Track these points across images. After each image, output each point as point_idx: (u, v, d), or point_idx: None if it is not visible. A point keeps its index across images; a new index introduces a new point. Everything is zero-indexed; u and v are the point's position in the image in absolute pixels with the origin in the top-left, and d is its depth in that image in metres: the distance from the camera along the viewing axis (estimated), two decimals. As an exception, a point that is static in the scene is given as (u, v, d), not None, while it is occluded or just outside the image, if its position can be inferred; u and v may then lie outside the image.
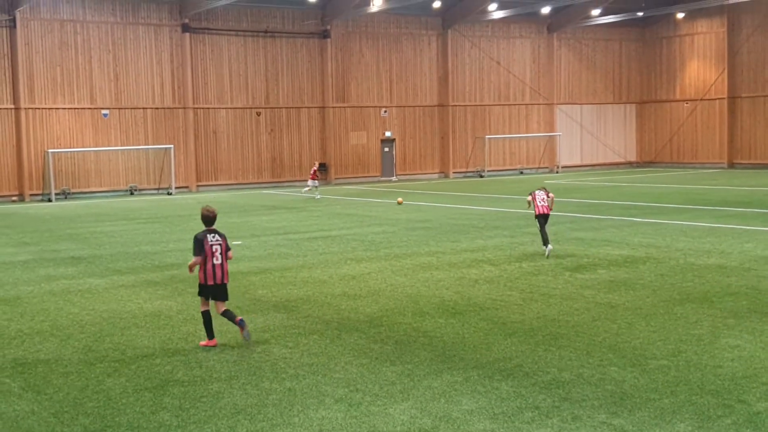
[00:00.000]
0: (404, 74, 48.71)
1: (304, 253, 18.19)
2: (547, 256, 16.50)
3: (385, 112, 48.35)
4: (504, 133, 51.74)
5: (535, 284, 13.67)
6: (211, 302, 10.26)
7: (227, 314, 10.10)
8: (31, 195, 38.78)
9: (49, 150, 38.80)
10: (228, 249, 10.43)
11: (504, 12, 47.21)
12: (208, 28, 42.87)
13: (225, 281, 10.28)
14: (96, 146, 40.25)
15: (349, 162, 47.33)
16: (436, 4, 46.03)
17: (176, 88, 42.27)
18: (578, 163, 54.62)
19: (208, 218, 10.43)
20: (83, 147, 39.92)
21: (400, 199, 30.63)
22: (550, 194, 17.49)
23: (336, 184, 45.41)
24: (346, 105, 47.07)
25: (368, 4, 43.06)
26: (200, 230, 10.41)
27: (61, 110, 39.57)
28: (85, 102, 40.15)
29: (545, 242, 16.80)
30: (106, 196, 39.75)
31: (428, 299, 12.64)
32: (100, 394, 8.31)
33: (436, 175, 50.07)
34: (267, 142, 45.08)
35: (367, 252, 18.05)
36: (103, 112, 40.53)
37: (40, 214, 30.93)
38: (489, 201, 31.46)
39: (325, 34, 45.81)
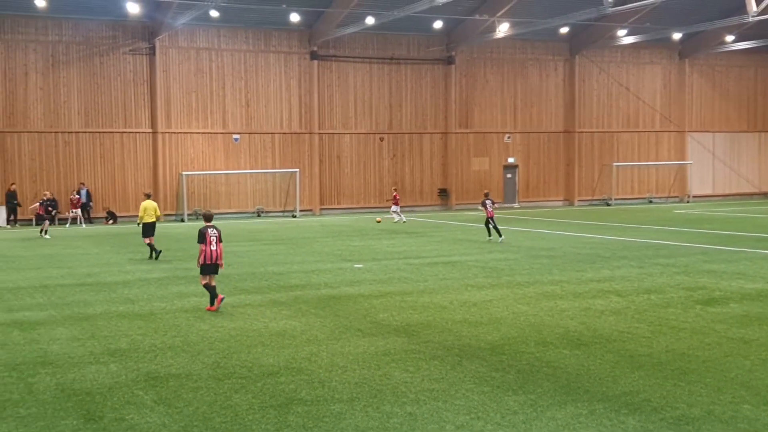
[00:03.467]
0: (529, 100, 48.35)
1: (425, 278, 18.22)
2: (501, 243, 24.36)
3: (509, 137, 48.04)
4: (632, 161, 50.46)
5: (663, 317, 13.21)
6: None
7: (213, 289, 14.24)
8: (165, 215, 40.50)
9: (183, 172, 40.48)
10: (221, 240, 14.45)
11: (634, 38, 46.22)
12: (336, 56, 43.85)
13: (218, 262, 14.30)
14: (227, 169, 41.73)
15: (471, 188, 47.22)
16: (563, 30, 45.56)
17: (303, 113, 43.38)
18: (710, 192, 52.64)
19: (208, 217, 14.83)
20: (215, 170, 41.45)
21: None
22: (495, 203, 25.54)
23: (457, 210, 45.35)
24: (469, 131, 47.07)
25: (494, 30, 43.04)
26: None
27: (195, 134, 41.26)
28: (218, 127, 41.73)
29: (500, 234, 26.12)
30: (235, 218, 41.05)
31: (552, 329, 12.41)
32: (228, 409, 8.54)
33: (560, 203, 49.30)
34: (389, 167, 45.56)
35: (488, 279, 17.91)
36: (234, 136, 42.00)
37: (174, 234, 32.21)
38: (616, 230, 30.68)
39: (449, 60, 46.05)
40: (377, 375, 9.80)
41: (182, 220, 39.86)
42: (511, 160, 48.21)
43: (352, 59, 44.31)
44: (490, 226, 26.77)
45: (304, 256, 22.97)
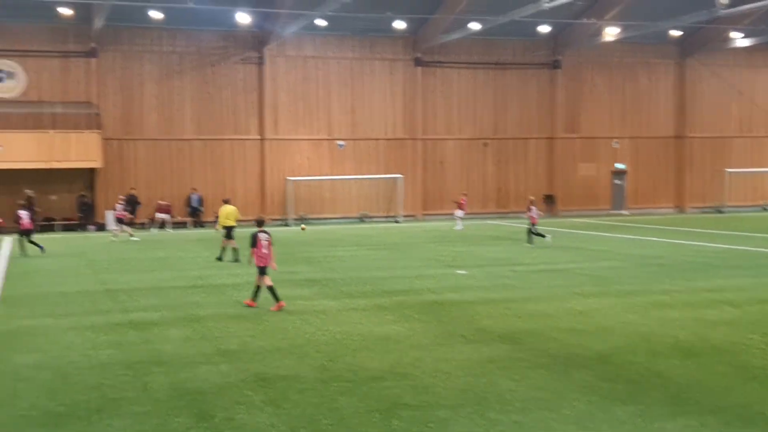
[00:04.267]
0: (638, 104, 47.23)
1: (530, 285, 18.04)
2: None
3: (617, 143, 47.04)
4: (746, 167, 48.56)
5: (781, 329, 12.71)
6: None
7: (271, 289, 15.18)
8: (272, 220, 41.40)
9: (289, 178, 41.30)
10: (272, 244, 15.42)
11: (748, 40, 44.51)
12: (440, 62, 43.91)
13: (269, 264, 15.27)
14: (331, 175, 42.33)
15: (577, 194, 46.44)
16: (674, 33, 44.34)
17: (407, 119, 43.60)
18: (831, 199, 50.15)
19: (260, 222, 15.84)
20: (320, 175, 42.11)
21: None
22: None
23: (562, 217, 44.66)
24: (575, 136, 46.33)
25: (601, 34, 42.24)
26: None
27: (301, 141, 42.05)
28: (323, 133, 42.41)
29: (544, 235, 27.23)
30: (339, 223, 41.59)
31: (662, 339, 12.10)
32: (334, 412, 8.68)
33: (670, 210, 47.94)
34: (493, 172, 45.28)
35: (595, 287, 17.59)
36: (339, 142, 42.58)
37: (280, 238, 32.82)
38: (729, 238, 29.60)
39: (555, 65, 45.46)
40: (482, 382, 9.77)
41: (288, 225, 40.65)
42: (619, 165, 47.17)
43: (456, 65, 44.28)
44: (533, 233, 27.73)
45: (408, 262, 23.08)
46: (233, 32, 40.11)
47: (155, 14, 37.51)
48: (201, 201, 40.31)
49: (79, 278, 20.29)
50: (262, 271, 15.25)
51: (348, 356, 11.19)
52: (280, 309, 14.90)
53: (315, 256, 24.90)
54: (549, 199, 46.01)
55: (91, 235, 36.21)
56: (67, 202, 38.34)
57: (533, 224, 28.16)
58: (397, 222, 42.06)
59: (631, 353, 11.18)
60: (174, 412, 8.74)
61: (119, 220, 32.95)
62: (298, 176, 41.63)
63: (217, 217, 23.58)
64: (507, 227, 37.51)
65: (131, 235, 32.50)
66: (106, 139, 38.35)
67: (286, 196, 41.51)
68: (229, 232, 24.03)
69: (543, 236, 27.87)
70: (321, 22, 39.08)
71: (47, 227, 36.96)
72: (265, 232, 15.40)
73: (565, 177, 46.25)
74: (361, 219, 42.79)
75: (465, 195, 39.51)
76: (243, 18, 37.70)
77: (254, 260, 15.31)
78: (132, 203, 38.65)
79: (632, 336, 12.34)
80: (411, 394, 9.30)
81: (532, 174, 46.00)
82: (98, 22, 36.14)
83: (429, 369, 10.40)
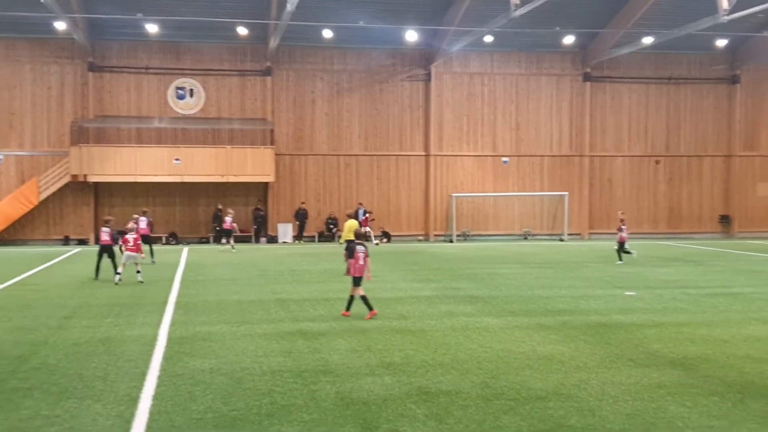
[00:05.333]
0: (825, 121, 44.26)
1: (703, 309, 17.25)
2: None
3: (801, 162, 44.26)
4: None
5: None
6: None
7: (364, 298, 15.86)
8: (435, 235, 41.70)
9: (453, 194, 41.47)
10: (367, 256, 16.04)
11: None
12: (610, 77, 42.88)
13: (364, 275, 15.91)
14: (495, 191, 42.16)
15: (756, 215, 43.99)
16: None
17: (574, 135, 42.83)
18: None
19: (359, 236, 16.68)
20: (483, 192, 42.03)
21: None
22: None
23: (740, 239, 42.39)
24: (754, 154, 43.98)
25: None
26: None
27: (465, 157, 42.17)
28: (488, 150, 42.34)
29: (629, 252, 28.28)
30: (502, 240, 41.32)
31: None
32: (497, 430, 8.64)
33: None
34: (665, 191, 43.67)
35: (775, 314, 16.59)
36: (503, 159, 42.36)
37: (443, 254, 33.05)
38: None
39: (734, 80, 43.39)
40: (651, 407, 9.45)
41: (451, 241, 40.79)
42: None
43: (627, 80, 43.10)
44: (621, 251, 28.61)
45: (572, 281, 22.61)
46: (401, 50, 40.85)
47: (327, 33, 38.81)
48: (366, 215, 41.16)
49: (253, 287, 21.17)
50: (357, 281, 15.91)
51: (511, 374, 11.10)
52: (372, 317, 15.60)
53: (478, 273, 24.84)
54: (724, 220, 43.83)
55: (263, 247, 37.75)
56: (241, 214, 40.18)
57: (622, 242, 28.75)
58: (561, 240, 41.29)
59: (815, 386, 10.47)
60: (340, 421, 8.98)
61: (228, 232, 34.28)
62: (462, 192, 41.73)
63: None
64: (679, 248, 36.00)
65: (232, 247, 33.89)
66: (279, 155, 39.96)
67: (449, 212, 41.70)
68: (350, 247, 24.09)
69: (630, 253, 28.90)
70: (488, 38, 39.12)
71: (221, 238, 38.83)
72: (362, 245, 16.11)
73: (743, 197, 43.93)
74: (525, 236, 42.32)
75: (623, 212, 38.16)
76: (411, 36, 38.34)
77: (350, 270, 16.00)
78: (301, 217, 40.07)
79: (817, 368, 11.55)
80: (576, 416, 9.12)
81: (706, 193, 44.01)
82: (273, 42, 37.79)
83: (595, 391, 10.16)
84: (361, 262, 15.98)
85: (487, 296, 19.28)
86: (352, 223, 24.23)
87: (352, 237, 24.34)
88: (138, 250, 22.02)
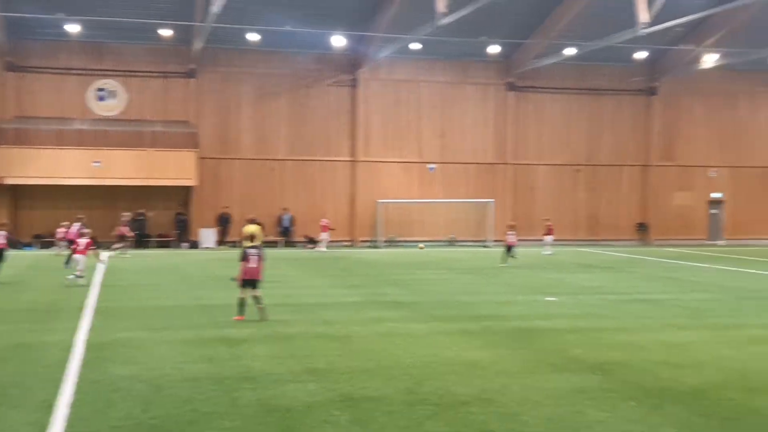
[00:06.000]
0: (738, 133, 45.93)
1: (621, 315, 17.64)
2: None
3: (714, 172, 45.76)
4: None
5: None
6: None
7: (257, 299, 16.09)
8: (361, 241, 41.72)
9: (379, 200, 41.57)
10: (261, 259, 16.17)
11: None
12: (533, 87, 43.65)
13: (256, 277, 16.03)
14: (421, 198, 42.43)
15: (672, 223, 45.33)
16: (777, 59, 42.96)
17: (498, 144, 43.44)
18: None
19: (252, 238, 16.78)
20: (409, 198, 42.26)
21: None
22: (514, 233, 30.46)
23: (656, 246, 43.61)
24: (671, 164, 45.32)
25: (701, 61, 41.27)
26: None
27: (391, 163, 42.34)
28: (414, 156, 42.61)
29: (507, 259, 29.79)
30: (427, 246, 41.56)
31: (759, 375, 11.65)
32: (420, 435, 8.65)
33: (769, 242, 46.29)
34: (585, 199, 44.62)
35: (689, 319, 17.08)
36: (429, 166, 42.70)
37: (369, 260, 33.09)
38: (833, 273, 28.34)
39: (652, 91, 44.66)
40: (570, 412, 9.60)
41: (377, 247, 40.86)
42: (716, 195, 45.84)
43: (549, 90, 43.94)
44: (509, 254, 30.18)
45: (496, 287, 22.89)
46: (328, 55, 40.79)
47: (252, 36, 38.52)
48: (292, 221, 40.94)
49: (175, 293, 20.83)
50: (246, 284, 16.05)
51: (435, 380, 11.14)
52: (239, 321, 15.77)
53: (404, 279, 24.93)
54: (642, 228, 45.02)
55: (185, 252, 37.18)
56: (163, 218, 39.49)
57: (511, 247, 30.29)
58: (486, 247, 41.80)
59: (726, 389, 10.80)
60: (262, 428, 8.87)
61: (122, 237, 33.66)
62: (388, 198, 41.87)
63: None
64: (598, 255, 36.83)
65: (119, 254, 32.83)
66: (202, 158, 39.42)
67: (376, 218, 41.78)
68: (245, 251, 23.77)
69: (513, 257, 30.22)
70: (414, 46, 39.40)
71: (142, 243, 38.13)
72: (255, 248, 16.27)
73: (660, 205, 45.23)
74: (450, 243, 42.68)
75: (548, 220, 39.12)
76: (338, 41, 38.32)
77: (242, 273, 16.09)
78: (224, 222, 39.60)
79: (728, 371, 11.92)
80: (497, 421, 9.21)
81: (625, 201, 45.15)
82: (197, 44, 37.31)
83: (516, 396, 10.28)
84: (254, 264, 16.06)
85: (412, 302, 19.36)
86: (250, 228, 23.74)
87: (252, 242, 23.90)
88: (84, 253, 22.15)
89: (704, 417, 9.44)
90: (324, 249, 37.87)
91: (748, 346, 13.94)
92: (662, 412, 9.67)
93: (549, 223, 38.25)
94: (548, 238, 37.09)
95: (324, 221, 38.93)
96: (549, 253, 36.17)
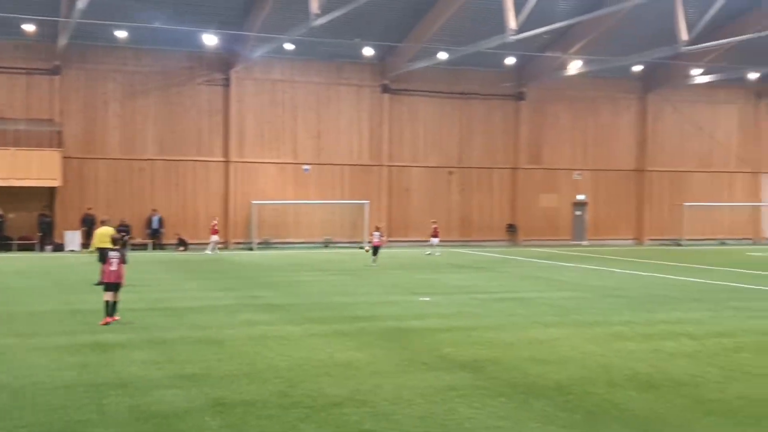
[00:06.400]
0: (600, 137, 47.94)
1: (492, 313, 18.11)
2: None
3: (579, 174, 47.62)
4: (705, 201, 49.39)
5: (736, 361, 12.88)
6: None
7: (114, 305, 15.83)
8: (235, 243, 41.16)
9: (254, 201, 41.14)
10: (124, 261, 16.03)
11: (709, 77, 45.44)
12: (407, 89, 44.22)
13: (117, 281, 15.84)
14: (296, 199, 42.26)
15: (539, 224, 46.87)
16: (637, 68, 45.16)
17: (373, 145, 43.78)
18: (786, 235, 51.17)
19: (115, 241, 16.69)
20: (284, 200, 42.02)
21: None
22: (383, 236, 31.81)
23: (524, 246, 45.01)
24: (538, 167, 46.83)
25: (566, 67, 42.88)
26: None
27: (266, 164, 41.98)
28: (289, 157, 42.39)
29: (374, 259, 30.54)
30: (303, 248, 41.48)
31: (620, 370, 12.20)
32: (293, 438, 8.61)
33: (629, 241, 48.55)
34: (458, 200, 45.54)
35: (555, 317, 17.70)
36: (305, 167, 42.58)
37: (243, 262, 32.70)
38: (687, 271, 30.04)
39: (520, 96, 46.03)
40: (442, 410, 9.77)
41: (251, 249, 40.42)
42: (580, 197, 47.73)
43: (422, 93, 44.62)
44: (377, 252, 31.32)
45: (371, 288, 23.06)
46: (199, 53, 40.03)
47: (120, 33, 37.37)
48: (162, 222, 39.96)
49: (45, 298, 20.04)
50: (110, 287, 15.91)
51: (308, 382, 11.12)
52: (107, 324, 15.56)
53: (278, 281, 24.77)
54: (511, 229, 46.36)
55: (51, 255, 35.70)
56: (25, 220, 37.78)
57: (377, 247, 31.26)
58: (361, 248, 42.00)
59: (590, 384, 11.25)
60: (131, 436, 8.62)
61: None
62: (263, 200, 41.49)
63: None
64: (470, 255, 37.69)
65: None
66: (67, 158, 37.93)
67: (250, 219, 41.31)
68: (102, 254, 23.17)
69: (374, 259, 30.98)
70: (289, 46, 39.19)
71: (2, 246, 36.41)
72: (116, 250, 16.14)
73: (528, 207, 46.68)
74: (326, 244, 42.70)
75: (435, 222, 39.91)
76: (210, 39, 37.66)
77: (104, 276, 16.08)
78: (89, 224, 38.19)
79: (591, 366, 12.42)
80: (371, 421, 9.27)
81: (495, 203, 46.35)
82: (62, 40, 35.89)
83: (389, 396, 10.38)
84: (114, 267, 15.87)
85: (287, 304, 19.26)
86: (105, 230, 22.94)
87: (106, 244, 23.12)
88: None
89: (568, 411, 9.80)
90: (210, 252, 37.19)
91: (610, 342, 14.56)
92: (529, 407, 9.98)
93: (435, 225, 39.16)
94: (434, 240, 38.01)
95: (214, 223, 38.26)
96: (434, 253, 37.29)
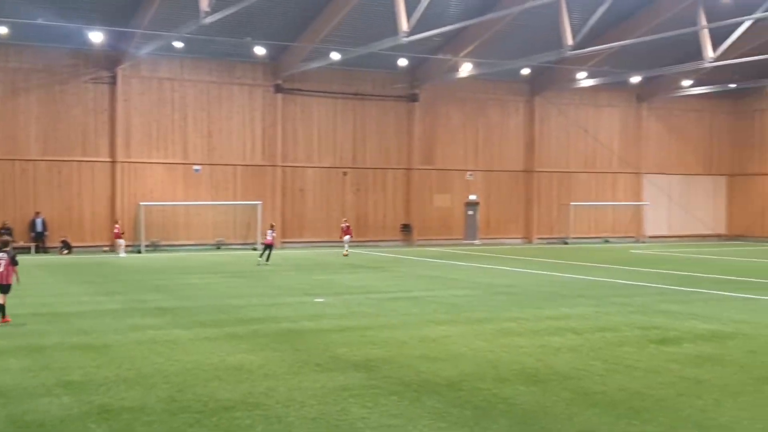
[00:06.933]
0: (490, 139, 48.90)
1: (385, 313, 18.21)
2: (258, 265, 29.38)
3: (471, 175, 48.46)
4: (589, 201, 51.12)
5: (618, 355, 13.35)
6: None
7: (2, 307, 15.93)
8: (126, 246, 39.99)
9: (141, 203, 40.12)
10: (13, 263, 15.97)
11: (593, 80, 47.05)
12: (300, 89, 44.00)
13: (7, 282, 15.89)
14: (186, 200, 41.44)
15: (433, 224, 47.44)
16: (525, 71, 46.29)
17: (266, 145, 43.36)
18: (665, 233, 53.46)
19: (4, 243, 16.29)
20: (174, 201, 41.14)
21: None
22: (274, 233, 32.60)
23: (418, 246, 45.49)
24: (431, 167, 47.40)
25: (457, 70, 43.56)
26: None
27: (155, 164, 40.99)
28: (179, 157, 41.51)
29: (268, 259, 31.25)
30: (194, 250, 40.73)
31: (509, 365, 12.47)
32: (182, 443, 8.42)
33: (519, 240, 49.71)
34: (352, 201, 45.62)
35: (448, 315, 17.96)
36: (195, 167, 41.80)
37: (130, 265, 31.85)
38: (573, 269, 31.00)
39: (413, 98, 46.48)
40: (335, 410, 9.75)
41: (139, 251, 39.42)
42: (472, 197, 48.59)
43: (316, 93, 44.49)
44: (267, 252, 31.88)
45: (264, 290, 22.84)
46: (84, 50, 38.75)
47: (1, 29, 35.79)
48: (45, 225, 38.50)
49: None
50: (4, 289, 15.97)
51: (198, 387, 10.91)
52: (5, 324, 15.75)
53: (167, 284, 24.23)
54: (406, 229, 46.76)
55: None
56: None
57: (269, 245, 32.03)
58: (255, 249, 41.56)
59: (479, 380, 11.45)
60: (8, 447, 8.26)
61: None
62: (151, 201, 40.51)
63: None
64: (365, 255, 37.81)
65: None
66: (-57, 158, 36.09)
67: (137, 221, 40.26)
68: None
69: (263, 256, 31.74)
70: (178, 44, 38.39)
71: None
72: (5, 251, 15.99)
73: (422, 207, 47.18)
74: (218, 246, 42.04)
75: (346, 221, 40.03)
76: (95, 36, 36.48)
77: None
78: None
79: (481, 363, 12.65)
80: (263, 424, 9.16)
81: (390, 204, 46.66)
82: (-63, 34, 34.16)
83: (282, 398, 10.29)
84: (1, 269, 15.73)
85: (176, 307, 18.86)
86: None
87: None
88: None
89: (458, 407, 9.94)
90: (123, 255, 36.83)
91: (499, 338, 14.87)
92: (420, 404, 10.08)
93: (347, 224, 39.17)
94: (346, 238, 37.94)
95: (117, 227, 37.62)
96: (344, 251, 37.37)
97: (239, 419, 9.34)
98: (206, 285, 24.09)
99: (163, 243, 40.84)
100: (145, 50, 37.86)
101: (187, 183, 41.72)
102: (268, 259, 31.44)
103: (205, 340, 14.48)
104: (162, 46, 37.49)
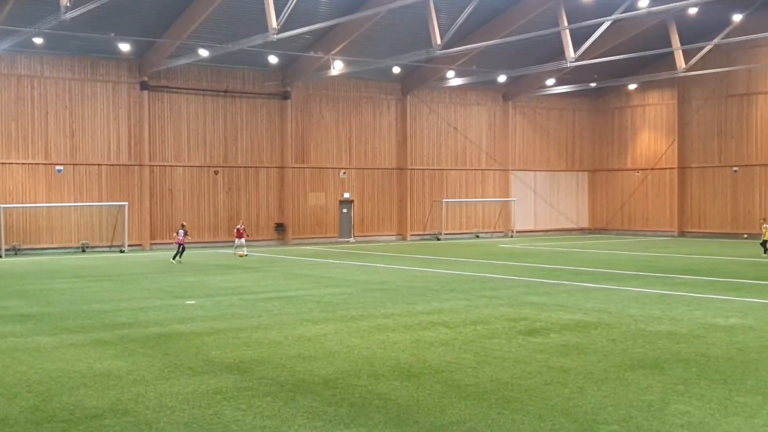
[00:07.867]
0: (363, 137, 49.21)
1: (259, 313, 18.05)
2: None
3: (344, 173, 48.63)
4: (461, 197, 52.27)
5: (489, 347, 13.72)
6: None
7: None
8: (-20, 250, 38.06)
9: (1, 205, 38.24)
10: None
11: (461, 79, 48.13)
12: (168, 87, 42.97)
13: None
14: (48, 202, 39.76)
15: (307, 222, 47.34)
16: (396, 70, 46.80)
17: (133, 145, 42.14)
18: (532, 228, 55.28)
19: None
20: (35, 203, 39.42)
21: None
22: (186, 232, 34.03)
23: (293, 245, 45.30)
24: (305, 166, 47.28)
25: (329, 68, 43.61)
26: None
27: (14, 165, 39.15)
28: (40, 157, 39.81)
29: (179, 257, 33.24)
30: (57, 253, 39.17)
31: (383, 361, 12.59)
32: (46, 456, 8.09)
33: (393, 237, 50.26)
34: (224, 201, 44.95)
35: (322, 313, 17.97)
36: (57, 167, 40.18)
37: (-11, 270, 30.30)
38: (445, 264, 31.63)
39: (285, 96, 46.21)
40: (208, 414, 9.59)
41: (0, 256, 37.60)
42: (346, 195, 48.77)
43: (185, 91, 43.56)
44: (180, 249, 33.75)
45: (133, 293, 22.20)
46: (-65, 45, 36.59)
47: None
48: None
49: None
50: None
51: (64, 395, 10.50)
52: None
53: (29, 290, 23.20)
54: (280, 228, 46.47)
55: None
56: None
57: (181, 244, 33.68)
58: (122, 252, 40.36)
59: (354, 377, 11.52)
60: None
61: None
62: (11, 203, 38.66)
63: None
64: (238, 256, 37.32)
65: None
66: None
67: (-4, 224, 38.35)
68: None
69: (176, 258, 33.29)
70: (38, 40, 36.78)
71: None
72: None
73: (296, 206, 46.99)
74: (83, 249, 40.55)
75: (241, 222, 39.54)
76: (-53, 30, 34.50)
77: None
78: None
79: (356, 360, 12.73)
80: (132, 431, 8.91)
81: (263, 203, 46.24)
82: None
83: (152, 404, 10.04)
84: None
85: (39, 314, 18.09)
86: None
87: None
88: None
89: (334, 405, 9.97)
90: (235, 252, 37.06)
91: (374, 335, 15.01)
92: (295, 404, 10.04)
93: (243, 226, 38.59)
94: (241, 240, 37.45)
95: None
96: (236, 252, 37.16)
97: (108, 427, 9.05)
98: (71, 290, 23.21)
99: (25, 247, 39.06)
100: (2, 47, 36.07)
101: (49, 184, 40.04)
102: (178, 257, 33.42)
103: (70, 347, 13.96)
104: (20, 42, 35.80)
